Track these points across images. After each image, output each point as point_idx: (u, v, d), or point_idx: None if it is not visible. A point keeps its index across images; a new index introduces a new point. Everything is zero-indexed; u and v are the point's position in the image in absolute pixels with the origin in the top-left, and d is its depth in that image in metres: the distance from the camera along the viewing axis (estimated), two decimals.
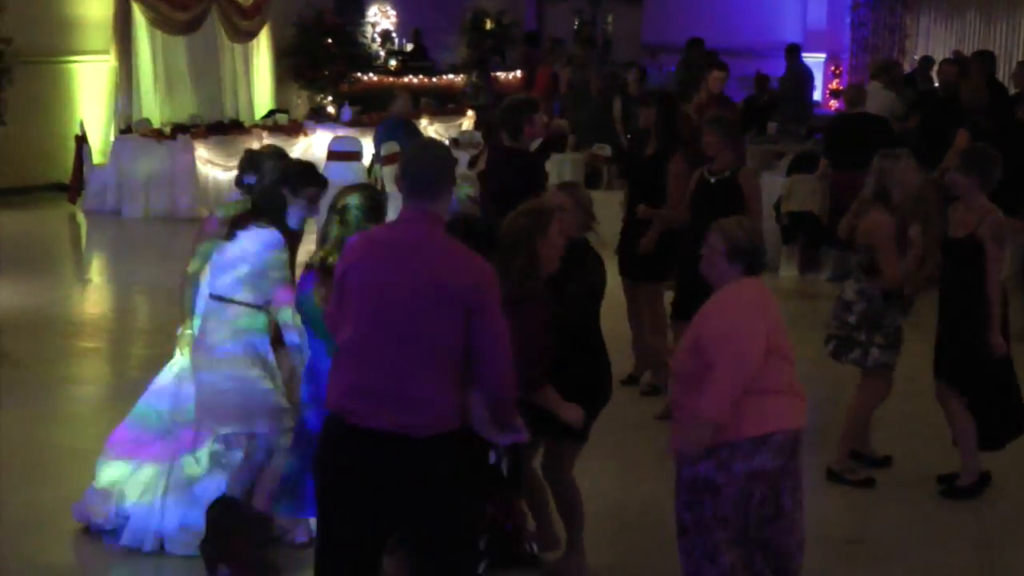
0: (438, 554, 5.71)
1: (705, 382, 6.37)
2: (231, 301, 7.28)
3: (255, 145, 20.24)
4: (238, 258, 7.24)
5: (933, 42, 28.39)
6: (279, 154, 8.04)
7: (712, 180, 10.16)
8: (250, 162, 7.88)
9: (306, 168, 7.74)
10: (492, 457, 6.23)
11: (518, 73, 27.42)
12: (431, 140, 6.29)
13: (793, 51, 23.07)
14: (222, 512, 7.34)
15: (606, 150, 18.32)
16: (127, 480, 7.90)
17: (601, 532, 7.90)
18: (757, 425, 6.43)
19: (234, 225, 7.37)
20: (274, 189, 7.44)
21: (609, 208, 12.71)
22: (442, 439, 5.58)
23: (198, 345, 7.52)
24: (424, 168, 5.70)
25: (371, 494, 5.60)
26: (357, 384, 5.59)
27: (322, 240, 6.89)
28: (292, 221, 7.47)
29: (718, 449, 6.45)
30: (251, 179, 7.78)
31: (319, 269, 6.76)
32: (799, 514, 6.65)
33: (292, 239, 7.51)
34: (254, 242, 7.22)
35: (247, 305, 7.27)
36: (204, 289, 7.69)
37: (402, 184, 5.73)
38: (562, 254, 6.81)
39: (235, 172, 8.07)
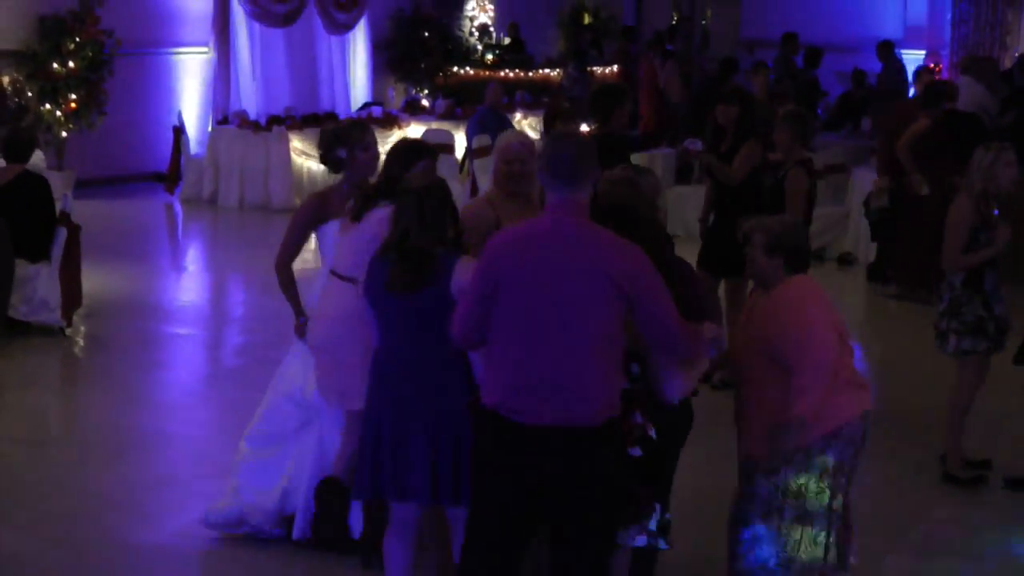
0: (584, 541, 5.75)
1: (792, 387, 6.38)
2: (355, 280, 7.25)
3: None
4: (369, 240, 7.17)
5: None
6: (363, 126, 7.91)
7: (770, 182, 10.27)
8: (336, 136, 7.76)
9: (413, 144, 7.62)
10: (636, 452, 6.13)
11: (615, 68, 27.38)
12: (573, 131, 6.22)
13: (887, 47, 22.88)
14: (333, 493, 7.33)
15: (698, 145, 18.24)
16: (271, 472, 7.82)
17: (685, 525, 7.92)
18: (828, 421, 6.46)
19: (361, 208, 7.29)
20: (389, 173, 7.32)
21: (698, 202, 12.75)
22: (605, 428, 5.66)
23: (318, 323, 7.57)
24: (567, 158, 5.70)
25: (531, 489, 5.66)
26: (521, 382, 5.62)
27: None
28: None
29: (794, 455, 6.48)
30: (343, 153, 7.60)
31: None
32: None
33: None
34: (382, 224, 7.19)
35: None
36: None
37: (545, 176, 5.76)
38: None
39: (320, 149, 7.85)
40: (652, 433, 6.07)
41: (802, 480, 6.48)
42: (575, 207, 5.68)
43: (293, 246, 7.70)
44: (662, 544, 6.26)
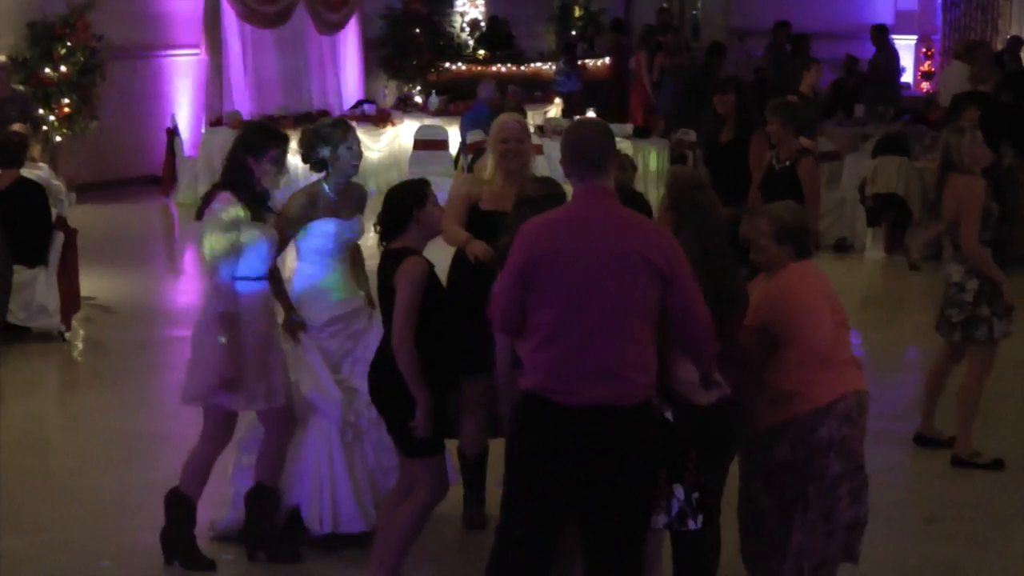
0: (622, 522, 5.78)
1: (782, 362, 6.44)
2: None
3: None
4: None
5: None
6: (345, 124, 7.87)
7: (777, 167, 10.22)
8: (318, 136, 7.74)
9: (264, 130, 7.57)
10: (671, 415, 6.14)
11: (606, 60, 27.40)
12: (592, 119, 6.27)
13: (881, 32, 22.91)
14: (260, 497, 7.43)
15: (691, 135, 18.29)
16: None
17: None
18: (820, 396, 6.50)
19: (203, 204, 7.36)
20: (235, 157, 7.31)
21: None
22: (646, 406, 5.72)
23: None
24: (590, 145, 5.77)
25: (573, 470, 5.68)
26: (564, 364, 5.65)
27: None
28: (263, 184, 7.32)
29: (787, 425, 6.50)
30: (325, 152, 7.60)
31: None
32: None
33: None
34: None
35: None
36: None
37: (570, 166, 5.78)
38: None
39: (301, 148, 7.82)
40: (669, 416, 6.08)
41: (799, 454, 6.50)
42: (603, 191, 5.75)
43: (281, 244, 7.65)
44: (691, 524, 6.21)
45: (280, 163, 7.32)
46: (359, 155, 7.68)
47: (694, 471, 6.15)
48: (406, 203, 6.72)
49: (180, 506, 7.41)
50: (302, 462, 7.64)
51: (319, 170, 7.69)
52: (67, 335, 12.18)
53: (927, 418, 9.50)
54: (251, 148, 7.26)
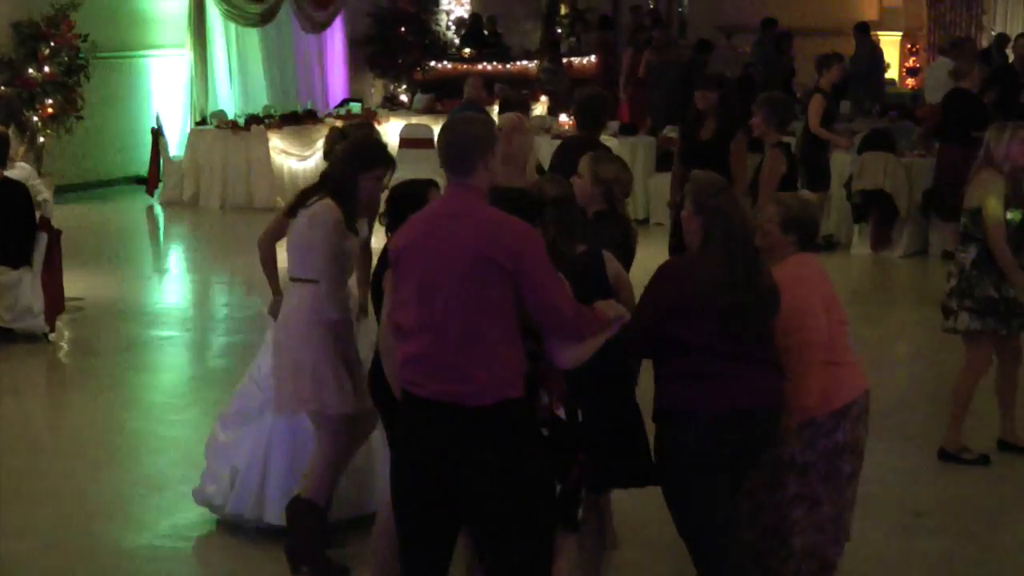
0: (505, 535, 5.69)
1: (787, 370, 6.37)
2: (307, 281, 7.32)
3: None
4: (300, 235, 7.29)
5: (1011, 18, 28.09)
6: (369, 125, 7.91)
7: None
8: (343, 134, 7.73)
9: (375, 149, 7.59)
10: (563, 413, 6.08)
11: (592, 58, 27.38)
12: (468, 115, 6.21)
13: (863, 29, 22.96)
14: (305, 513, 7.29)
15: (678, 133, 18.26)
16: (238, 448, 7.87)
17: None
18: (835, 399, 6.51)
19: (296, 204, 7.37)
20: (345, 173, 7.35)
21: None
22: (498, 408, 5.60)
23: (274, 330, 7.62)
24: (459, 142, 5.75)
25: (434, 465, 5.65)
26: (417, 356, 5.65)
27: None
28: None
29: (802, 429, 6.49)
30: None
31: None
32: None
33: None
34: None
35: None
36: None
37: (441, 159, 5.79)
38: None
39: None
40: (561, 413, 6.03)
41: (807, 458, 6.50)
42: (467, 189, 5.71)
43: (276, 225, 7.64)
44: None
45: (381, 182, 7.37)
46: None
47: (578, 475, 6.08)
48: (404, 204, 6.70)
49: (309, 514, 7.26)
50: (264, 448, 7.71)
51: None
52: (52, 336, 12.14)
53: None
54: (364, 163, 7.30)
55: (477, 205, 5.71)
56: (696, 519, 6.22)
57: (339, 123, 20.58)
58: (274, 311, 7.66)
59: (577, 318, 5.74)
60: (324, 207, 7.22)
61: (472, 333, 5.57)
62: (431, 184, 6.89)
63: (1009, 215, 8.84)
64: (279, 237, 7.62)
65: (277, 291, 7.70)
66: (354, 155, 7.36)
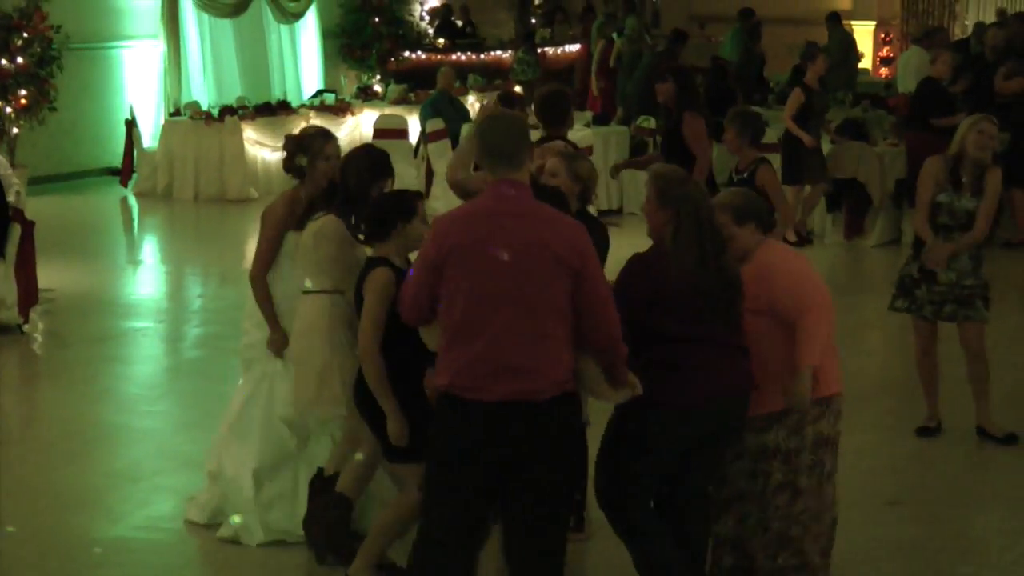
0: (546, 520, 5.75)
1: (799, 332, 6.44)
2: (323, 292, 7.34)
3: (302, 125, 20.44)
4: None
5: (984, 6, 28.17)
6: (326, 134, 7.88)
7: (735, 178, 10.21)
8: (298, 144, 7.73)
9: (382, 160, 7.43)
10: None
11: (567, 48, 27.37)
12: (503, 111, 6.22)
13: (835, 18, 23.04)
14: (339, 506, 7.19)
15: (651, 123, 18.29)
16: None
17: None
18: (824, 386, 6.56)
19: (304, 216, 7.38)
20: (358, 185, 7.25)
21: None
22: (562, 401, 5.65)
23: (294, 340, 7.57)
24: (502, 139, 5.74)
25: (490, 466, 5.66)
26: (476, 359, 5.61)
27: None
28: None
29: (787, 413, 6.52)
30: (303, 160, 7.55)
31: None
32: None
33: None
34: None
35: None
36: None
37: (484, 158, 5.77)
38: None
39: (284, 153, 7.81)
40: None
41: (792, 445, 6.53)
42: (514, 185, 5.70)
43: (267, 255, 7.60)
44: None
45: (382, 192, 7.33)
46: (335, 167, 7.63)
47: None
48: (392, 213, 6.68)
49: (342, 506, 7.15)
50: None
51: (299, 177, 7.63)
52: (25, 328, 12.10)
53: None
54: (376, 174, 7.26)
55: (535, 203, 5.72)
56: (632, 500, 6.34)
57: (313, 115, 20.68)
58: (275, 346, 7.60)
59: (617, 328, 5.78)
60: (329, 222, 7.18)
61: (539, 330, 5.59)
62: (419, 196, 6.91)
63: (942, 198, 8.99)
64: (268, 268, 7.58)
65: (276, 328, 7.58)
66: (368, 167, 7.30)
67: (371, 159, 7.39)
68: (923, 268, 9.09)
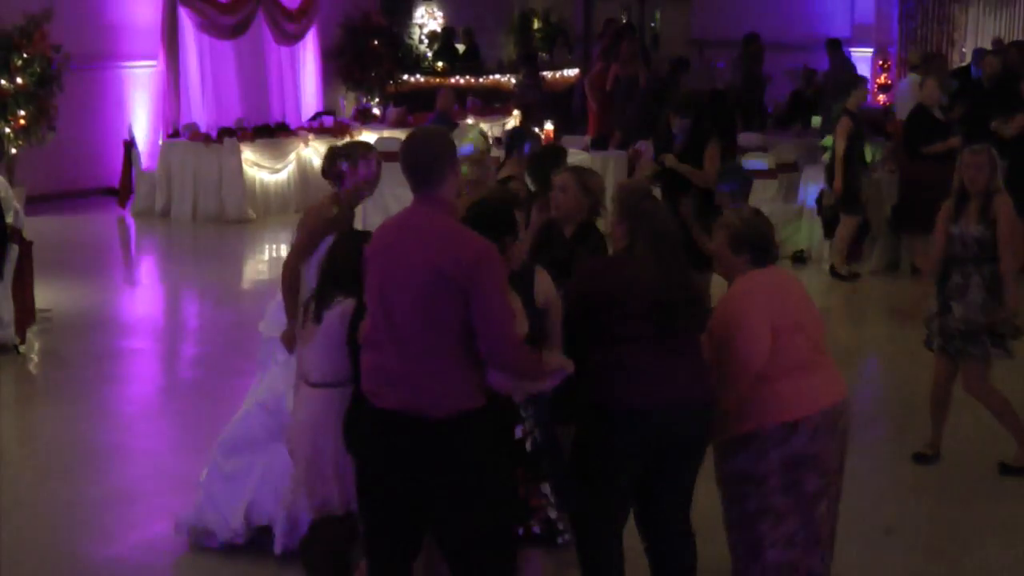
0: (469, 542, 5.76)
1: (720, 376, 6.46)
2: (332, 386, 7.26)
3: (301, 147, 20.48)
4: (335, 336, 7.06)
5: (982, 33, 28.20)
6: (367, 144, 7.92)
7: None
8: (341, 149, 7.72)
9: (362, 234, 7.37)
10: (517, 432, 6.15)
11: (566, 72, 27.39)
12: (428, 128, 6.21)
13: (835, 45, 23.07)
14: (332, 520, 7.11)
15: (644, 146, 18.27)
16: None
17: None
18: (786, 410, 6.47)
19: (320, 307, 6.96)
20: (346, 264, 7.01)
21: None
22: (459, 418, 5.65)
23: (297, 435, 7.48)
24: (420, 155, 5.78)
25: (395, 472, 5.73)
26: (375, 367, 5.74)
27: None
28: None
29: (750, 438, 6.49)
30: (345, 165, 7.62)
31: None
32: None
33: None
34: None
35: None
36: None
37: (405, 174, 5.80)
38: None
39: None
40: (518, 432, 6.13)
41: (760, 470, 6.49)
42: (430, 202, 5.74)
43: (306, 249, 7.56)
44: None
45: None
46: (377, 175, 7.69)
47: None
48: (346, 262, 6.69)
49: (336, 523, 7.02)
50: (272, 479, 7.58)
51: (338, 183, 7.66)
52: (22, 347, 12.09)
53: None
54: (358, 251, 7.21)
55: (438, 218, 5.73)
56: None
57: (312, 137, 20.69)
58: (288, 340, 7.49)
59: (518, 351, 5.76)
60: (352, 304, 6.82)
61: (427, 346, 5.62)
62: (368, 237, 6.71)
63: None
64: (304, 259, 7.51)
65: (295, 317, 7.42)
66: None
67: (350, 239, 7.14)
68: (944, 301, 9.09)
